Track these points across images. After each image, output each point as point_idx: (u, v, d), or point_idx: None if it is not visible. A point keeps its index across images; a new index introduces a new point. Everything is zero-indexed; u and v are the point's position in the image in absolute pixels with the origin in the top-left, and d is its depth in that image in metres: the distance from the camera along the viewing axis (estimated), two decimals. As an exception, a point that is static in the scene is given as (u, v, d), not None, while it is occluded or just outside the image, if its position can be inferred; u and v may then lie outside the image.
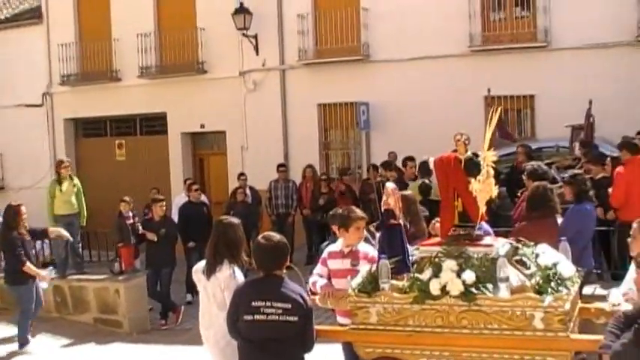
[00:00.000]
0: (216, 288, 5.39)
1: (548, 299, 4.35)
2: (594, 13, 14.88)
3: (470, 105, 14.68)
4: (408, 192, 7.83)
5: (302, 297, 4.78)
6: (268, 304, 4.70)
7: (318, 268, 6.07)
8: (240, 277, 5.25)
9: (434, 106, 15.76)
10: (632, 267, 5.25)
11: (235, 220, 5.60)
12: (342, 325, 5.63)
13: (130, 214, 12.25)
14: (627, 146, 8.92)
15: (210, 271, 5.43)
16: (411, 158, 12.53)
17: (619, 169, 8.76)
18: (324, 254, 6.10)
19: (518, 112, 16.21)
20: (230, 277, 5.24)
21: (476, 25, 15.96)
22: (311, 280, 6.01)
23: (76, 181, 12.13)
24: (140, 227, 11.93)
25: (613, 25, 14.89)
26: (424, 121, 15.61)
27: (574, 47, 15.22)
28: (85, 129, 21.36)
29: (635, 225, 5.27)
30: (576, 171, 8.34)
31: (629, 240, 5.34)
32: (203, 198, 13.69)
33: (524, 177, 8.60)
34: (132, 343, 10.60)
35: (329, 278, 5.94)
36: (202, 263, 5.57)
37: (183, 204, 13.10)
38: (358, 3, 16.96)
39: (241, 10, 17.37)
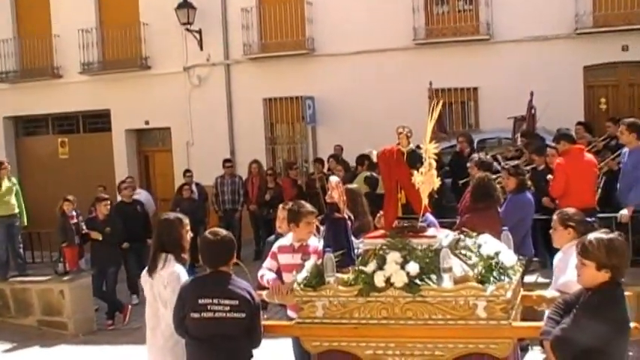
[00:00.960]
0: (160, 286, 5.32)
1: (491, 288, 4.40)
2: (535, 7, 15.18)
3: (415, 98, 14.78)
4: (354, 185, 7.87)
5: (249, 293, 4.77)
6: (215, 301, 4.67)
7: (268, 262, 6.03)
8: (183, 275, 5.19)
9: (379, 99, 15.87)
10: (559, 256, 5.39)
11: (174, 216, 5.52)
12: (291, 319, 5.61)
13: (74, 213, 11.99)
14: (565, 137, 9.08)
15: (152, 269, 5.36)
16: (367, 157, 12.52)
17: (559, 159, 8.94)
18: (274, 248, 6.07)
19: (462, 105, 16.43)
20: (172, 274, 5.18)
21: (420, 18, 16.12)
22: (260, 273, 5.97)
23: (14, 181, 11.88)
24: (84, 226, 11.73)
25: (553, 19, 15.22)
26: (370, 114, 15.71)
27: (516, 40, 15.52)
28: (26, 127, 20.90)
29: (555, 217, 5.39)
30: (517, 162, 8.46)
31: (551, 231, 5.45)
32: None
33: (469, 166, 8.75)
34: (78, 345, 10.44)
35: (279, 272, 5.92)
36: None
37: (115, 204, 12.63)
38: (303, -3, 16.98)
39: (185, 5, 17.21)
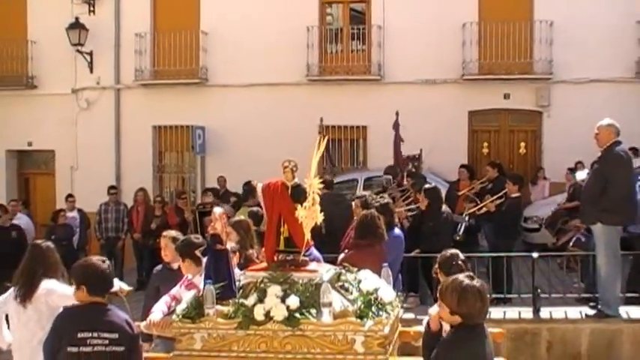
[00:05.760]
0: (32, 313, 5.12)
1: (369, 323, 4.48)
2: (424, 52, 15.74)
3: (305, 133, 14.88)
4: (241, 217, 7.83)
5: (129, 324, 4.62)
6: (95, 334, 4.48)
7: (175, 290, 5.80)
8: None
9: (270, 132, 15.94)
10: None
11: (51, 244, 5.39)
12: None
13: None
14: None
15: (25, 296, 5.14)
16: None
17: None
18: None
19: (352, 142, 16.73)
20: (50, 292, 5.04)
21: (313, 55, 16.37)
22: (162, 299, 5.72)
23: None
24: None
25: (441, 64, 15.85)
26: (260, 147, 15.74)
27: (405, 82, 16.00)
28: None
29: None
30: (387, 200, 8.57)
31: (433, 273, 5.56)
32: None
33: (354, 204, 8.86)
34: None
35: None
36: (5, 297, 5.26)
37: None
38: (198, 26, 16.92)
39: (76, 25, 16.83)
